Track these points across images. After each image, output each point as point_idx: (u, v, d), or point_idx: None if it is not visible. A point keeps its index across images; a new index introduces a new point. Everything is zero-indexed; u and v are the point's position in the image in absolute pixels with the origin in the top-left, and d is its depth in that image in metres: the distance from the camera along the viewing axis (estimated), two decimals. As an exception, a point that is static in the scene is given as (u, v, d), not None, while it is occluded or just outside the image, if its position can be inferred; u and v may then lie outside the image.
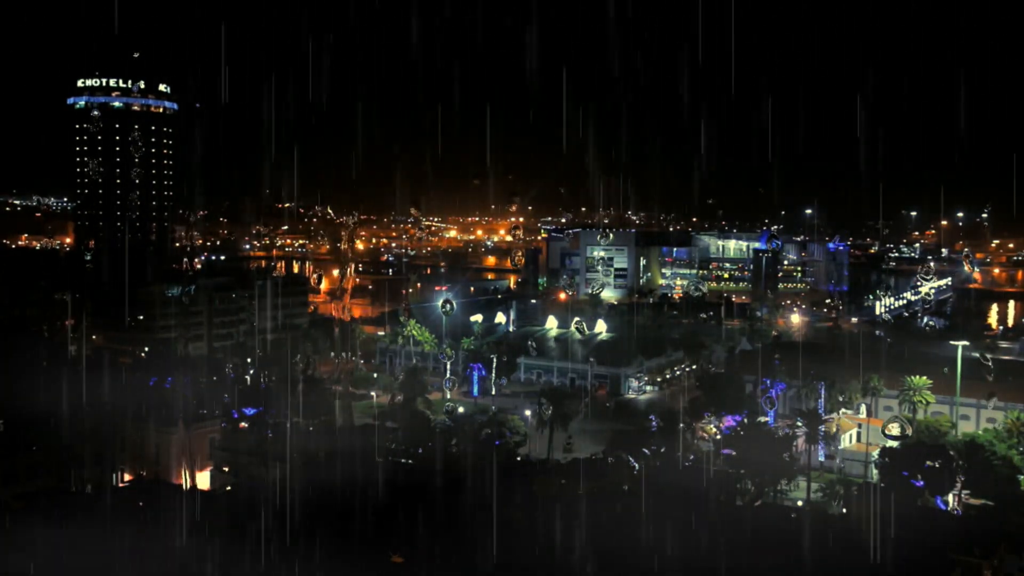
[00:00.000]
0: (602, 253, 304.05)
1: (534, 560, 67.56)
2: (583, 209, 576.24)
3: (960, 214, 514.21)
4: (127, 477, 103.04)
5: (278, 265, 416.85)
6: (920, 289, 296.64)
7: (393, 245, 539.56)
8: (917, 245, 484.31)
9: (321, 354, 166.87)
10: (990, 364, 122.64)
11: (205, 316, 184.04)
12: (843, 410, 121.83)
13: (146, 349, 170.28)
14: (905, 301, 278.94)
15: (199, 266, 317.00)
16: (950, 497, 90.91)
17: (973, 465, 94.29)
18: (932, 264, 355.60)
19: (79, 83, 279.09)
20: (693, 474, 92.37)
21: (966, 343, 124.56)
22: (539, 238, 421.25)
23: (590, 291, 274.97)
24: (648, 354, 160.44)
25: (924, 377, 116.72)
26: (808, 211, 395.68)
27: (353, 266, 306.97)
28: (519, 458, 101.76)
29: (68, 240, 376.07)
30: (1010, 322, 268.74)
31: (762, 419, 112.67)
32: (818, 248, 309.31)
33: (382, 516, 73.11)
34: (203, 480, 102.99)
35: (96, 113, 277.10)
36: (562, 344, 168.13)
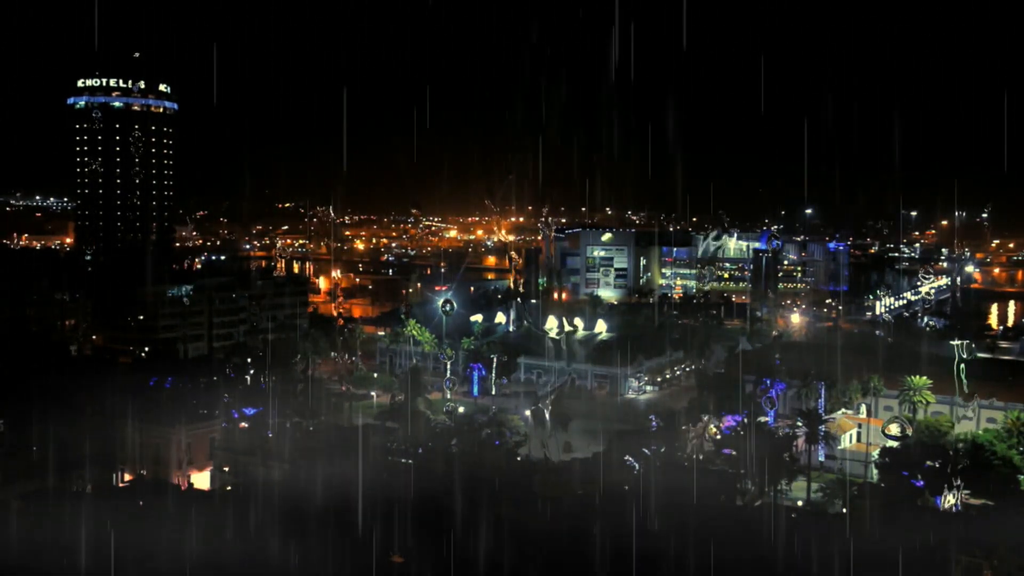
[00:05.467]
0: (602, 253, 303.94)
1: (534, 560, 67.55)
2: (583, 209, 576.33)
3: (960, 214, 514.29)
4: (127, 477, 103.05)
5: (278, 265, 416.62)
6: (920, 289, 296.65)
7: (393, 245, 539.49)
8: (917, 245, 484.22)
9: (321, 354, 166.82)
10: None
11: (205, 316, 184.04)
12: (843, 410, 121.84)
13: (146, 349, 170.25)
14: (905, 301, 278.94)
15: (199, 266, 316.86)
16: (950, 497, 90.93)
17: (973, 465, 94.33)
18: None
19: (79, 83, 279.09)
20: (693, 474, 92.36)
21: (966, 343, 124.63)
22: (539, 238, 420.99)
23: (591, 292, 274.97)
24: (648, 354, 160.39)
25: (924, 377, 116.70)
26: (808, 211, 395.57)
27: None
28: (519, 458, 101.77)
29: (68, 240, 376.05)
30: (1010, 322, 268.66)
31: (762, 419, 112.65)
32: (818, 248, 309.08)
33: (382, 516, 73.06)
34: (203, 480, 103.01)
35: (96, 113, 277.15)
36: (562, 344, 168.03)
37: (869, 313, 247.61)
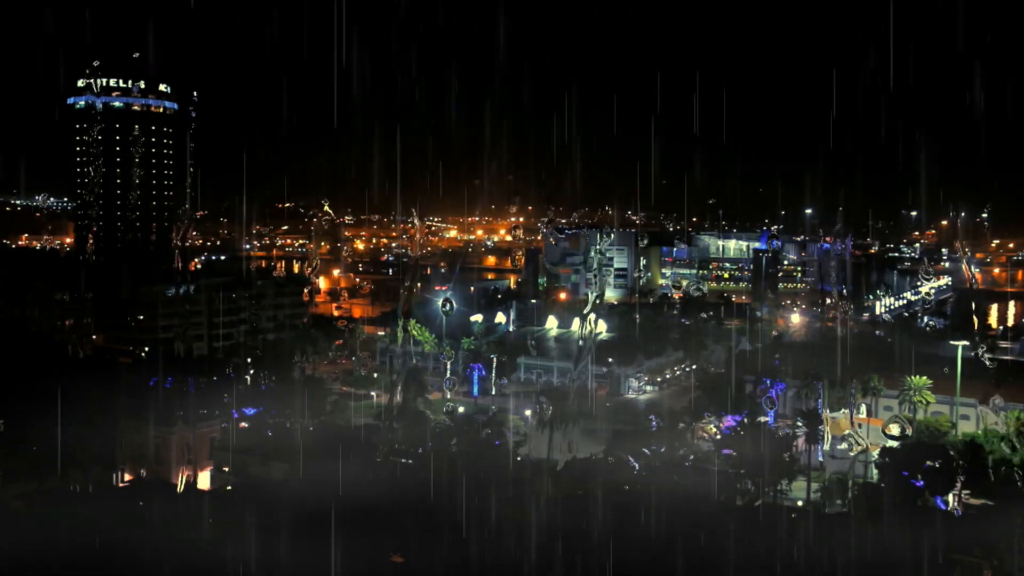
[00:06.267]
0: (601, 249, 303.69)
1: (533, 560, 67.56)
2: (584, 208, 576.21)
3: (960, 214, 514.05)
4: (127, 477, 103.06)
5: (278, 265, 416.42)
6: (920, 289, 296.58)
7: (393, 245, 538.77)
8: (917, 245, 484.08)
9: (321, 354, 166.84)
10: (988, 359, 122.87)
11: (205, 316, 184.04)
12: (843, 410, 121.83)
13: (146, 349, 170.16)
14: (905, 301, 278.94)
15: (199, 266, 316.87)
16: (950, 497, 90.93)
17: (973, 465, 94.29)
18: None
19: (79, 83, 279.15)
20: (693, 474, 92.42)
21: (966, 343, 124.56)
22: (539, 238, 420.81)
23: (590, 292, 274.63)
24: (648, 354, 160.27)
25: (924, 377, 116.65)
26: (808, 211, 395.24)
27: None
28: (519, 458, 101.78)
29: (68, 240, 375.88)
30: (1010, 322, 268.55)
31: (762, 419, 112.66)
32: (818, 248, 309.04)
33: (382, 516, 73.08)
34: (203, 480, 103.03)
35: (96, 113, 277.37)
36: (562, 344, 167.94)
37: (866, 314, 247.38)
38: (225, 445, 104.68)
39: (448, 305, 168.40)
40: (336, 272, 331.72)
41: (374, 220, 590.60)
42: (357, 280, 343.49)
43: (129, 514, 77.34)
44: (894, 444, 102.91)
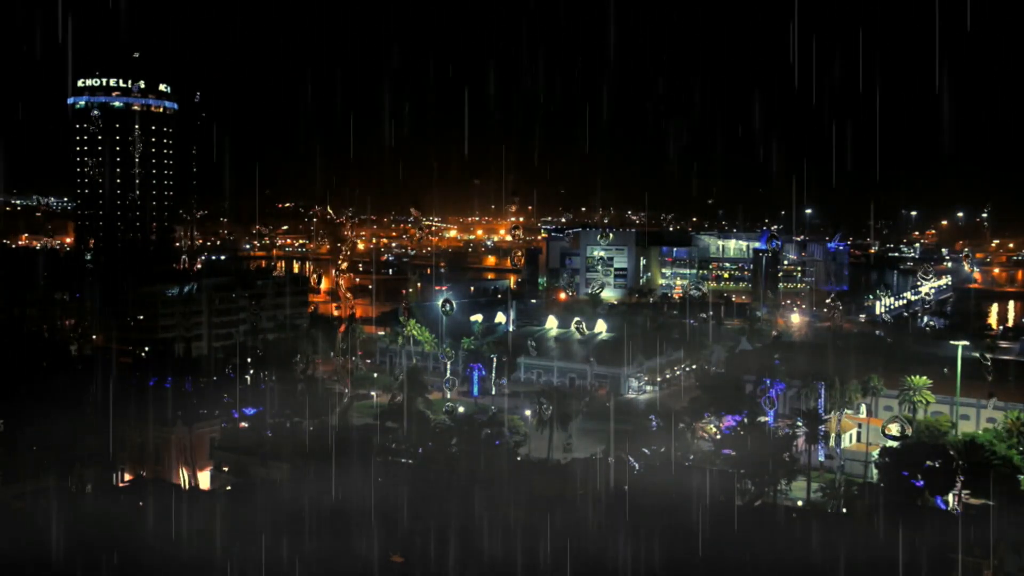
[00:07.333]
0: (602, 253, 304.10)
1: (533, 560, 67.55)
2: (583, 209, 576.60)
3: (960, 214, 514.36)
4: (127, 477, 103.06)
5: (278, 265, 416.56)
6: (920, 289, 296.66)
7: (393, 245, 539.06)
8: (917, 245, 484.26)
9: (321, 354, 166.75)
10: (989, 364, 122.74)
11: (205, 316, 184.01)
12: (844, 410, 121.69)
13: (146, 349, 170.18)
14: (905, 301, 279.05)
15: (199, 266, 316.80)
16: (950, 497, 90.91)
17: (973, 465, 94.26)
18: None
19: (79, 83, 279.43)
20: (693, 474, 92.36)
21: (966, 343, 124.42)
22: (539, 238, 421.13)
23: (590, 291, 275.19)
24: (648, 354, 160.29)
25: (924, 377, 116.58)
26: (808, 211, 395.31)
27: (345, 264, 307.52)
28: (519, 458, 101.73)
29: (68, 240, 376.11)
30: (1010, 322, 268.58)
31: (762, 419, 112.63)
32: (818, 248, 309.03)
33: (382, 516, 73.08)
34: (203, 480, 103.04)
35: (96, 113, 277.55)
36: (562, 344, 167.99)
37: (863, 316, 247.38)
38: (225, 445, 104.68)
39: (448, 305, 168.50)
40: (334, 272, 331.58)
41: (374, 220, 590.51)
42: (357, 280, 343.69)
43: (129, 514, 77.38)
44: (894, 444, 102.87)
